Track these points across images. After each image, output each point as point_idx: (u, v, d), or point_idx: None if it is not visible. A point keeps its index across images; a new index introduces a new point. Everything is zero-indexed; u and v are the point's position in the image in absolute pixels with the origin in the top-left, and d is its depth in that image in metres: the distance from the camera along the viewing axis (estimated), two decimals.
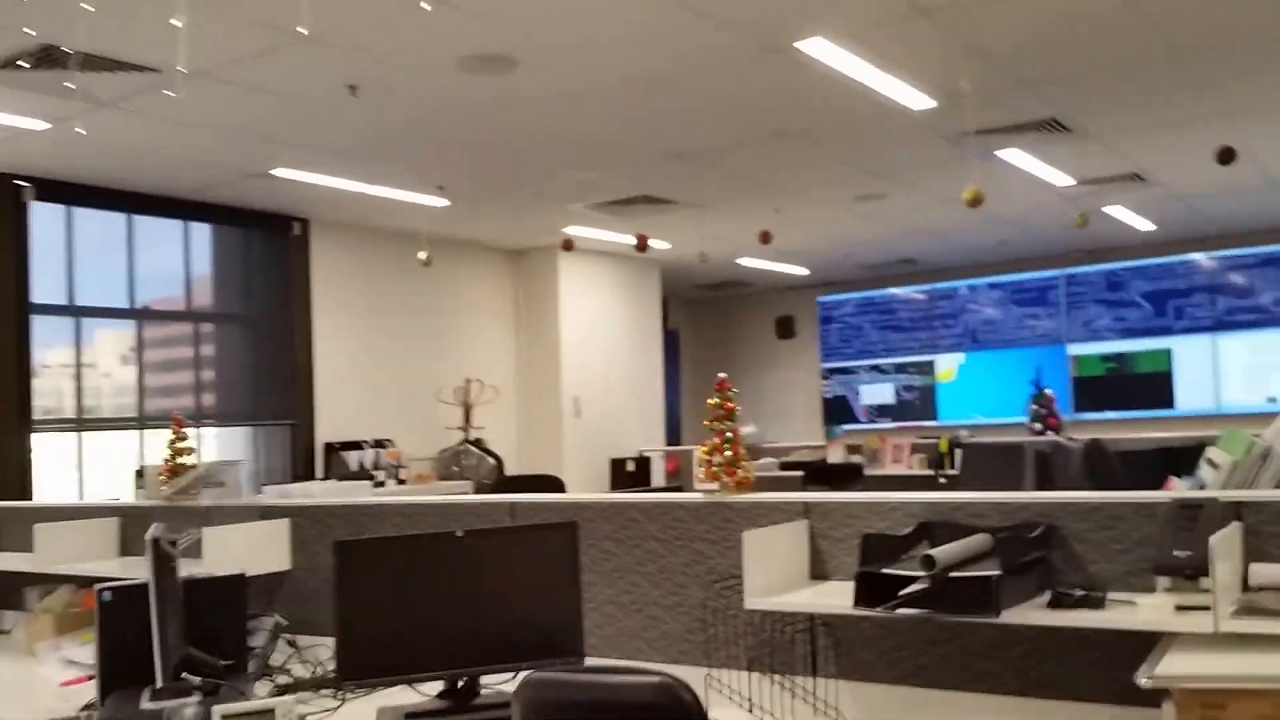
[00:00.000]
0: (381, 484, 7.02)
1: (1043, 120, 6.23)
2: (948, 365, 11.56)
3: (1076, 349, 10.81)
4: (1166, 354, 10.32)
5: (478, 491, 7.26)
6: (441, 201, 7.72)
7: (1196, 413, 10.03)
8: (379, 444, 8.21)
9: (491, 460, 8.45)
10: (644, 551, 3.23)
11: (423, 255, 7.37)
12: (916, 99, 5.68)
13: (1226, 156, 5.71)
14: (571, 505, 3.44)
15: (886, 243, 10.09)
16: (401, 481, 7.54)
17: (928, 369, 11.68)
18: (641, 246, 7.47)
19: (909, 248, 10.41)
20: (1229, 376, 10.01)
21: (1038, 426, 8.02)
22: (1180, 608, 2.40)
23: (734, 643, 3.06)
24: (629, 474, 9.36)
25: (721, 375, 3.13)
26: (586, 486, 9.39)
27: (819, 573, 3.06)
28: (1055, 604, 2.59)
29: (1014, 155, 6.96)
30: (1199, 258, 10.22)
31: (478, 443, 8.61)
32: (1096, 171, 7.50)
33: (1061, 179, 7.63)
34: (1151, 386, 10.36)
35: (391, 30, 4.56)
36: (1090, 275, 10.77)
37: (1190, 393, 10.18)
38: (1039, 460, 6.28)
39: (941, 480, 7.48)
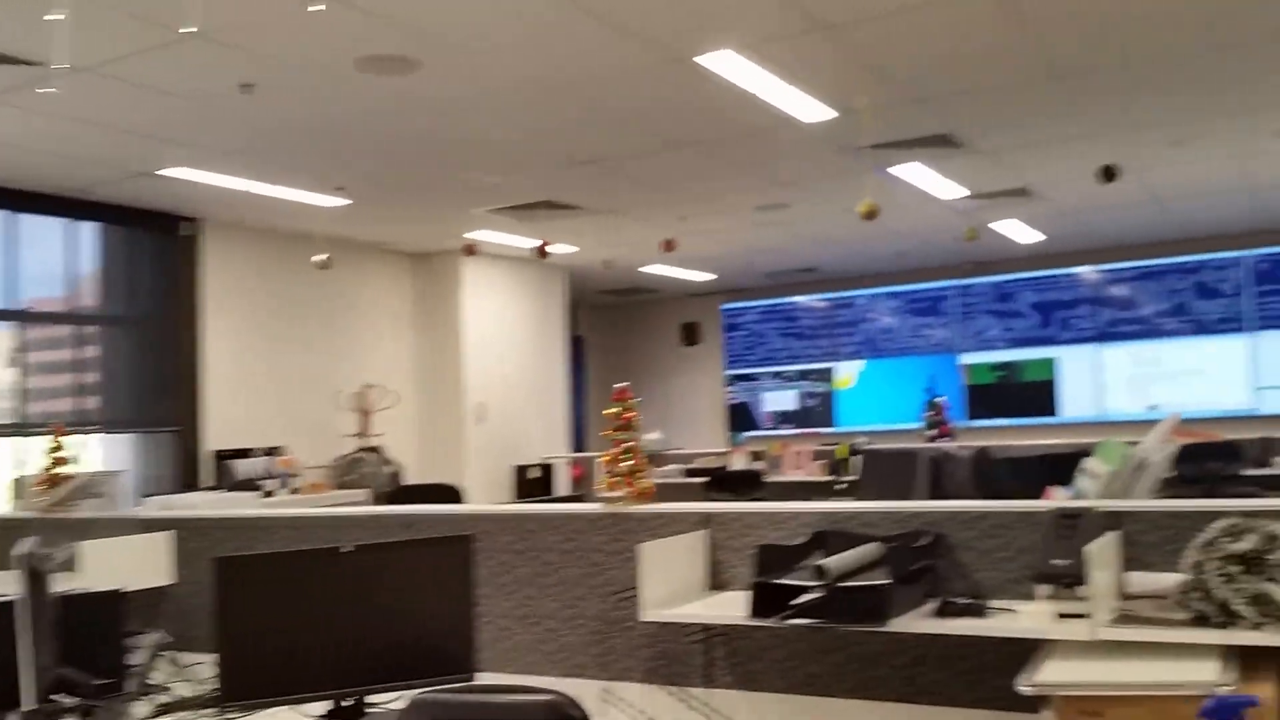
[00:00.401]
0: (270, 494, 6.82)
1: (935, 136, 6.38)
2: (847, 373, 11.78)
3: (968, 358, 11.12)
4: (1052, 363, 10.69)
5: (375, 501, 7.12)
6: (341, 202, 7.57)
7: (1080, 420, 10.41)
8: (271, 451, 8.00)
9: (389, 468, 8.31)
10: (542, 563, 3.20)
11: (321, 257, 7.22)
12: (816, 112, 5.77)
13: (1108, 174, 5.92)
14: (468, 517, 3.39)
15: (789, 251, 10.24)
16: (295, 491, 7.35)
17: (828, 376, 11.89)
18: (542, 253, 7.44)
19: (811, 256, 10.58)
20: (1112, 385, 10.40)
21: (931, 433, 8.22)
22: (1060, 615, 2.47)
23: (631, 655, 3.05)
24: (533, 482, 9.30)
25: (621, 384, 3.13)
26: (488, 495, 9.30)
27: (718, 583, 3.07)
28: (941, 612, 2.65)
29: (909, 169, 7.13)
30: (1084, 270, 10.60)
31: (375, 450, 8.46)
32: (987, 186, 7.72)
33: (954, 193, 7.83)
34: (1038, 394, 10.71)
35: (286, 28, 4.45)
36: (981, 286, 11.08)
37: (1074, 401, 10.55)
38: (932, 467, 6.42)
39: (839, 486, 7.59)
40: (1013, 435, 9.68)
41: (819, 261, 10.86)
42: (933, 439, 8.14)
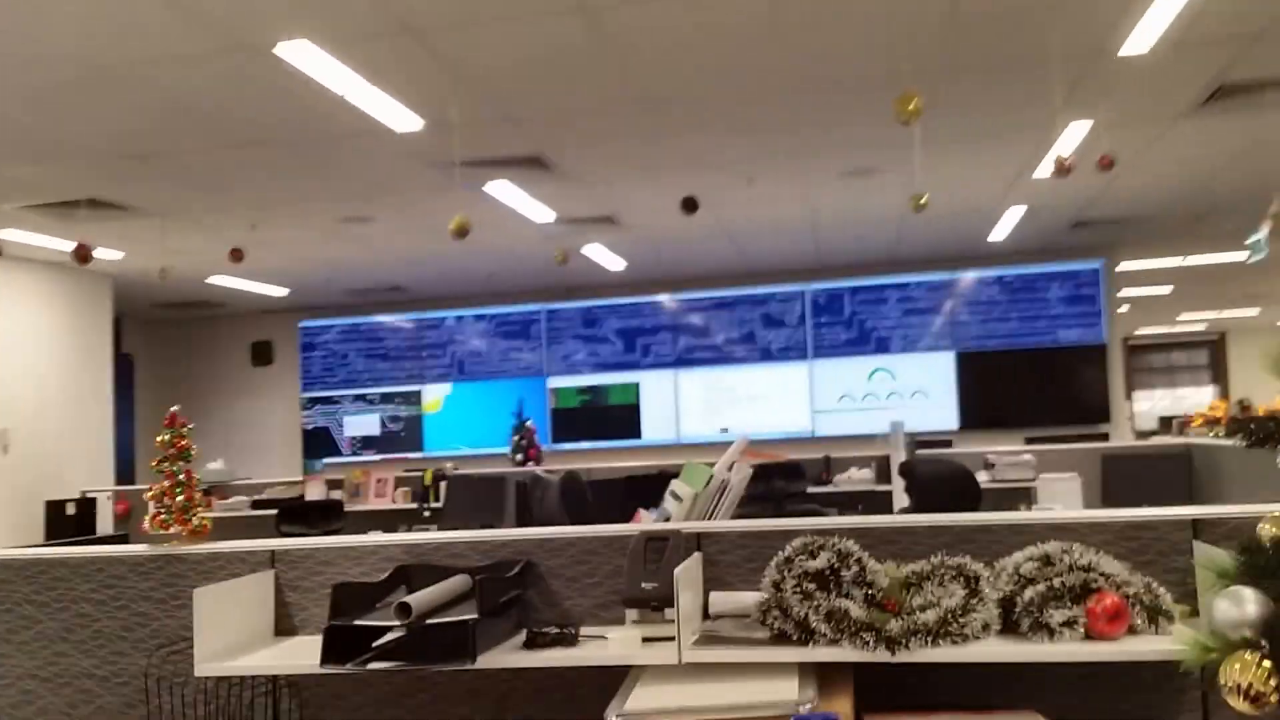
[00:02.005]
0: None
1: (527, 157, 6.37)
2: (435, 395, 11.56)
3: (555, 381, 11.32)
4: (635, 387, 11.16)
5: None
6: None
7: (660, 443, 10.94)
8: None
9: None
10: (73, 615, 2.83)
11: None
12: (406, 121, 5.53)
13: (689, 206, 6.21)
14: None
15: (374, 268, 9.86)
16: None
17: (415, 399, 11.59)
18: (83, 258, 6.50)
19: (398, 275, 10.26)
20: (688, 409, 11.04)
21: (519, 457, 8.21)
22: (647, 639, 2.42)
23: (183, 715, 2.75)
24: (70, 519, 8.13)
25: (173, 409, 2.79)
26: (12, 536, 8.06)
27: (285, 628, 2.77)
28: (531, 643, 2.51)
29: (500, 188, 7.08)
30: (664, 299, 11.18)
31: None
32: (575, 211, 7.86)
33: (544, 216, 7.90)
34: (621, 418, 11.14)
35: None
36: (569, 311, 11.35)
37: (655, 424, 11.08)
38: (520, 492, 6.37)
39: (426, 514, 7.35)
40: (598, 458, 9.95)
41: (406, 280, 10.57)
42: (521, 463, 8.13)
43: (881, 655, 2.14)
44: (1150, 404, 18.55)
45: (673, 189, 7.11)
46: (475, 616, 2.42)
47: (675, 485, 2.95)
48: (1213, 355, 19.95)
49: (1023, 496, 6.78)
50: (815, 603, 2.24)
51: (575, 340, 11.32)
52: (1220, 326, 19.38)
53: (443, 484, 7.45)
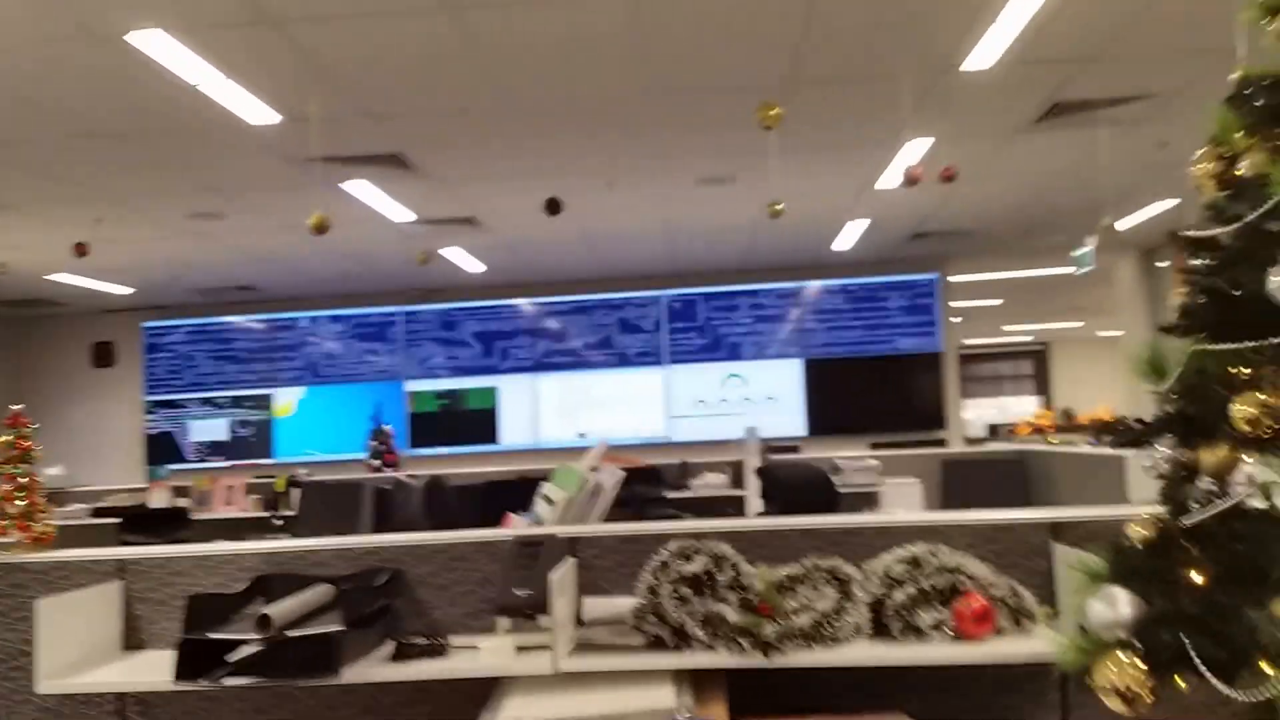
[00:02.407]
0: None
1: (388, 155, 6.24)
2: (287, 399, 11.17)
3: (413, 385, 11.10)
4: (493, 392, 11.04)
5: None
6: None
7: (518, 447, 10.85)
8: None
9: None
10: None
11: None
12: (260, 114, 5.34)
13: (552, 207, 6.18)
14: None
15: (224, 267, 9.47)
16: None
17: (265, 403, 11.18)
18: None
19: (249, 274, 9.88)
20: (546, 413, 10.99)
21: (376, 463, 8.02)
22: (521, 648, 2.38)
23: None
24: None
25: (16, 408, 2.63)
26: None
27: (135, 642, 2.63)
28: (399, 655, 2.44)
29: (359, 187, 6.90)
30: (522, 303, 11.11)
31: None
32: (435, 212, 7.73)
33: (403, 216, 7.75)
34: (480, 422, 11.00)
35: None
36: (427, 314, 11.15)
37: (513, 428, 10.98)
38: (378, 498, 6.22)
39: (277, 522, 7.09)
40: (457, 463, 9.79)
41: (258, 279, 10.19)
42: (379, 469, 7.93)
43: (757, 660, 2.16)
44: (978, 412, 19.41)
45: (534, 192, 7.07)
46: (340, 628, 2.34)
47: (547, 489, 2.92)
48: (1037, 365, 21.11)
49: (867, 500, 6.99)
50: (691, 607, 2.25)
51: (433, 343, 11.12)
52: (1045, 338, 20.50)
53: (295, 490, 7.21)
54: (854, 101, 5.64)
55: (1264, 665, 1.50)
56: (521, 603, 2.45)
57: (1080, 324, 18.35)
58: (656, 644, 2.29)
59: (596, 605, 2.53)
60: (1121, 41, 4.91)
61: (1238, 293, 1.75)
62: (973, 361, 20.05)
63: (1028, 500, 6.88)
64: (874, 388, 10.78)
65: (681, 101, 5.53)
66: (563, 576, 2.40)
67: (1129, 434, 1.94)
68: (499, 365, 11.05)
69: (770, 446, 7.95)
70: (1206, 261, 1.83)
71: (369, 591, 2.54)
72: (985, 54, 4.98)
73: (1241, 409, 1.56)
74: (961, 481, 7.05)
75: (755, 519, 2.64)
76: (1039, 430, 18.44)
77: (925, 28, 4.67)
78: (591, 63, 4.90)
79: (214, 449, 11.13)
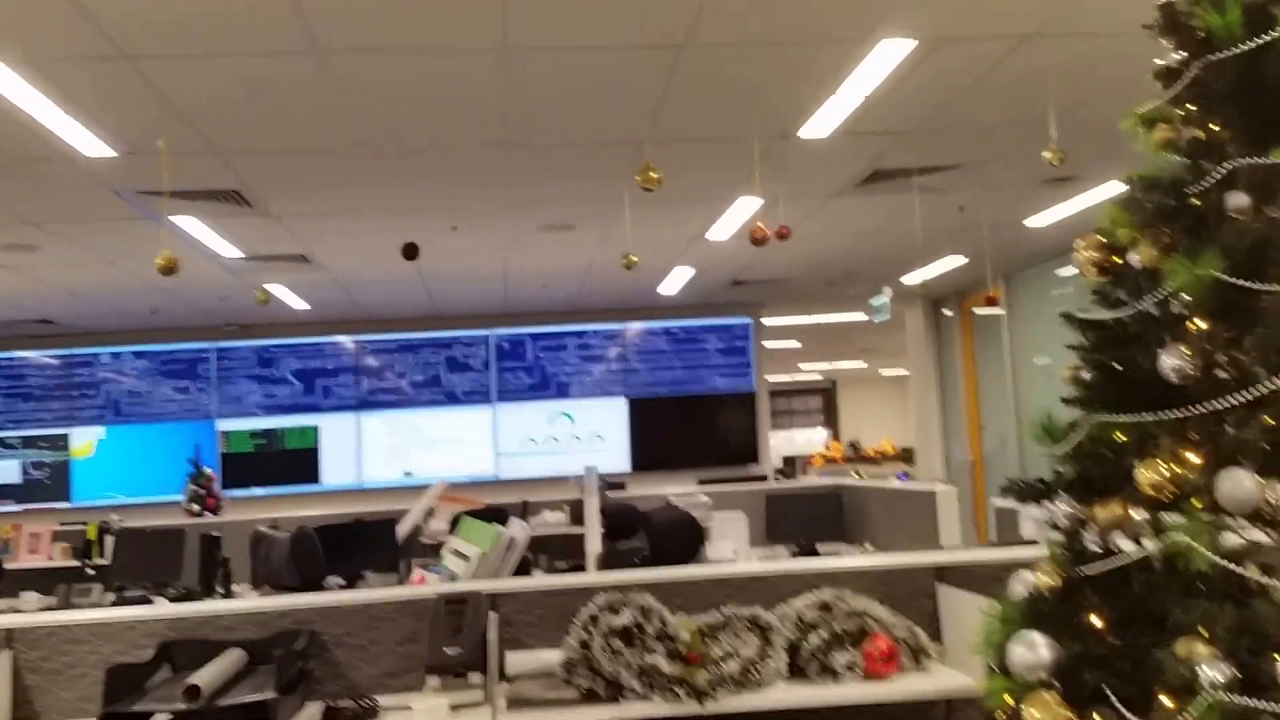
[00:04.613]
0: None
1: (226, 191, 6.05)
2: (85, 439, 10.47)
3: (226, 424, 10.63)
4: (314, 431, 10.71)
5: None
6: None
7: (341, 487, 10.56)
8: None
9: None
10: None
11: None
12: (95, 146, 5.10)
13: (410, 252, 6.14)
14: None
15: (24, 299, 8.83)
16: None
17: (62, 443, 10.43)
18: None
19: (51, 307, 9.25)
20: (370, 452, 10.74)
21: (196, 507, 7.67)
22: (455, 707, 2.42)
23: None
24: None
25: None
26: None
27: (26, 714, 2.49)
28: (330, 718, 2.43)
29: (187, 222, 6.64)
30: (345, 340, 10.85)
31: None
32: (268, 248, 7.51)
33: (231, 252, 7.49)
34: (300, 462, 10.63)
35: None
36: (242, 350, 10.72)
37: (335, 468, 10.67)
38: (205, 546, 5.98)
39: (90, 571, 6.68)
40: (275, 505, 9.44)
41: (59, 313, 9.55)
42: (198, 513, 7.58)
43: (692, 708, 2.29)
44: (775, 445, 20.33)
45: (376, 231, 7.00)
46: (273, 694, 2.31)
47: (457, 543, 2.95)
48: (826, 401, 22.35)
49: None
50: (626, 659, 2.35)
51: (249, 380, 10.69)
52: (833, 376, 21.78)
53: (109, 537, 6.81)
54: (701, 160, 5.91)
55: (1168, 700, 1.73)
56: (454, 661, 2.48)
57: (865, 365, 19.59)
58: (590, 696, 2.38)
59: (520, 660, 2.59)
60: (936, 118, 5.40)
61: (1118, 368, 2.02)
62: (771, 398, 20.98)
63: (842, 533, 7.31)
64: (694, 425, 11.13)
65: (538, 154, 5.64)
66: (493, 633, 2.46)
67: (1029, 491, 2.20)
68: (320, 403, 10.73)
69: (604, 483, 8.09)
70: (1094, 339, 2.09)
71: (291, 655, 2.51)
72: (821, 124, 5.36)
73: (1148, 475, 1.81)
74: (783, 515, 7.40)
75: (671, 569, 2.76)
76: (830, 461, 19.50)
77: (773, 98, 4.98)
78: (454, 112, 4.95)
79: (5, 492, 10.27)
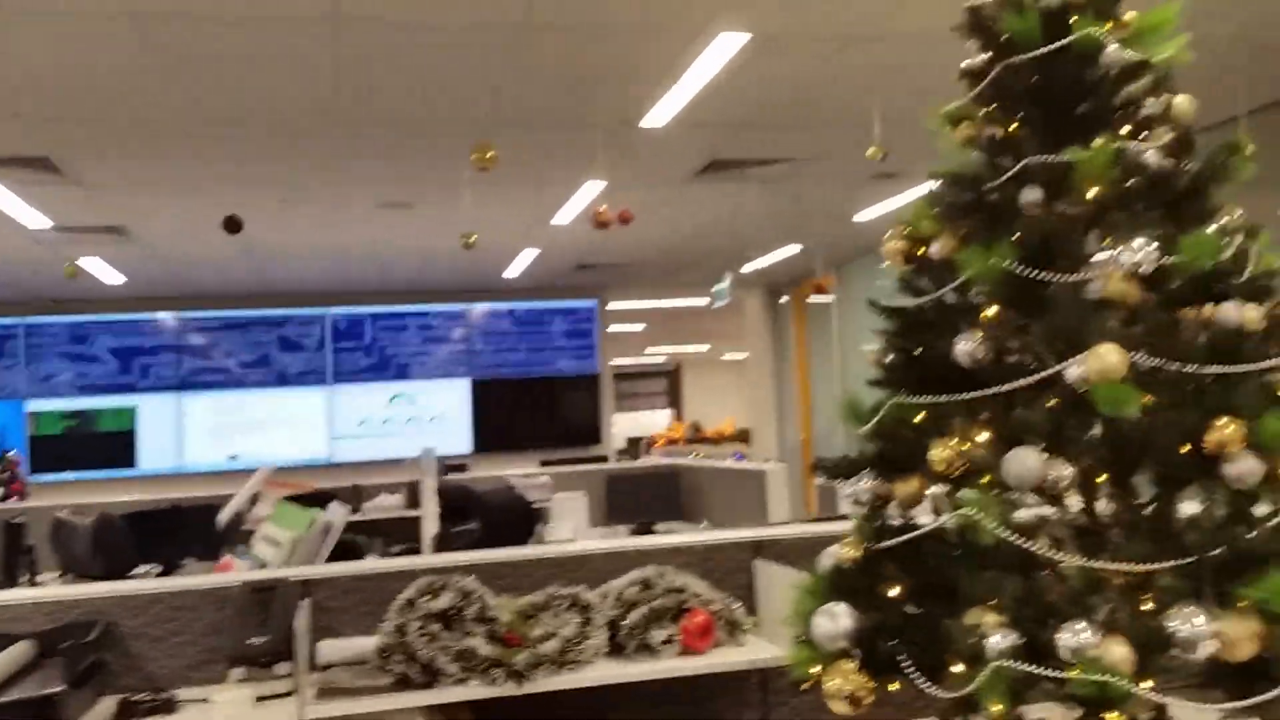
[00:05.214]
0: None
1: (32, 157, 5.68)
2: None
3: (35, 405, 9.99)
4: (132, 412, 10.17)
5: None
6: None
7: (160, 472, 10.06)
8: None
9: None
10: None
11: None
12: None
13: (232, 225, 5.87)
14: None
15: None
16: None
17: None
18: None
19: None
20: (192, 435, 10.27)
21: (0, 492, 7.20)
22: (261, 698, 2.33)
23: None
24: None
25: None
26: None
27: None
28: (123, 714, 2.31)
29: None
30: (167, 317, 10.34)
31: None
32: (79, 219, 7.08)
33: (38, 221, 7.03)
34: (115, 445, 10.08)
35: None
36: (54, 326, 10.08)
37: (154, 451, 10.16)
38: (9, 534, 5.63)
39: None
40: (88, 490, 8.93)
41: None
42: (2, 498, 7.11)
43: (509, 689, 2.27)
44: (619, 427, 20.56)
45: (198, 203, 6.69)
46: (60, 688, 2.18)
47: (269, 530, 2.84)
48: (670, 383, 22.71)
49: (538, 515, 7.22)
50: (442, 643, 2.31)
51: (60, 359, 10.06)
52: (677, 359, 22.14)
53: None
54: (544, 144, 5.87)
55: (958, 668, 1.81)
56: (258, 651, 2.39)
57: (707, 347, 19.96)
58: (403, 682, 2.33)
59: (333, 648, 2.51)
60: (771, 112, 5.52)
61: (919, 353, 2.10)
62: (616, 380, 21.14)
63: (681, 512, 7.42)
64: (538, 407, 11.10)
65: (373, 129, 5.49)
66: (302, 621, 2.38)
67: (836, 468, 2.26)
68: (138, 383, 10.19)
69: (443, 465, 7.98)
70: (898, 325, 2.17)
71: (81, 647, 2.38)
72: (661, 113, 5.40)
73: (939, 453, 1.88)
74: (623, 495, 7.46)
75: (492, 550, 2.73)
76: (672, 442, 19.79)
77: (615, 86, 4.98)
78: (283, 83, 4.75)
79: None
